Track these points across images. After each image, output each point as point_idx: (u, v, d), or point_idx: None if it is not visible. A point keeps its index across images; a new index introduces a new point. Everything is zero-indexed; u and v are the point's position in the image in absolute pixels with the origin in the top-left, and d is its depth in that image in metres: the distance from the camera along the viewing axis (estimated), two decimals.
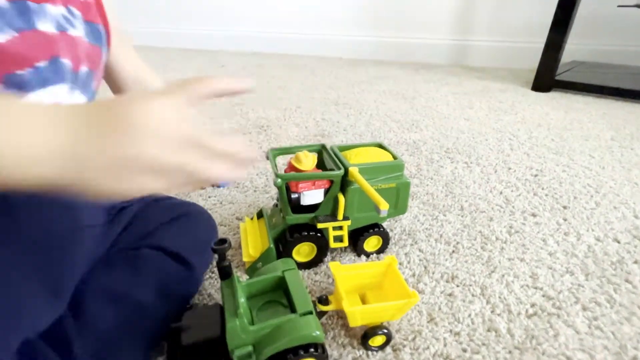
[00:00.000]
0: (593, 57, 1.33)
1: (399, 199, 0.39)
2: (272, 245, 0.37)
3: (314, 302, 0.29)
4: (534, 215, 0.49)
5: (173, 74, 1.41)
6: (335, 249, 0.42)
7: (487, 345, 0.31)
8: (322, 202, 0.37)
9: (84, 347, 0.24)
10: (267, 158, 0.40)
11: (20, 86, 0.23)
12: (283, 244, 0.38)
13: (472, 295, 0.36)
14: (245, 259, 0.38)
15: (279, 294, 0.30)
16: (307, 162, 0.36)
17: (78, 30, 0.28)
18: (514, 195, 0.54)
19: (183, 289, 0.33)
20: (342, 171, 0.36)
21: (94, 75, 0.30)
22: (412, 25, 1.62)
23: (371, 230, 0.40)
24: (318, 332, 0.26)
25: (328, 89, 1.15)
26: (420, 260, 0.41)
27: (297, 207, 0.38)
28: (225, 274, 0.27)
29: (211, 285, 0.37)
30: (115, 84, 0.37)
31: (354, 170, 0.35)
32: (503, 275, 0.38)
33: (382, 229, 0.40)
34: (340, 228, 0.38)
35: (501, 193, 0.54)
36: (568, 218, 0.48)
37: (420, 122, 0.84)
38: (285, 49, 1.88)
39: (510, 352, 0.30)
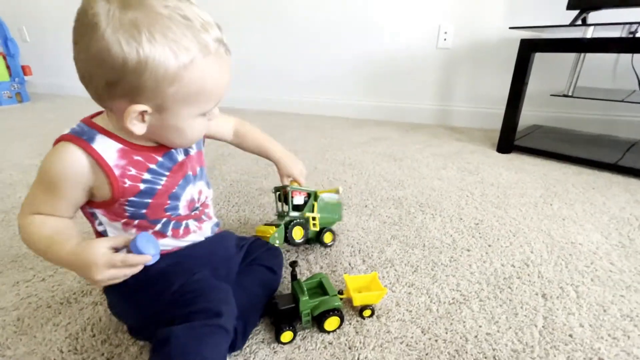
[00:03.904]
0: (550, 122, 1.68)
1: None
2: None
3: (338, 291, 0.59)
4: (468, 250, 0.79)
5: None
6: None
7: (425, 316, 0.60)
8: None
9: (238, 310, 0.54)
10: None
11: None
12: None
13: (421, 293, 0.65)
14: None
15: (319, 286, 0.60)
16: None
17: (193, 149, 0.53)
18: (459, 238, 0.84)
19: (273, 284, 0.63)
20: None
21: (204, 167, 0.58)
22: (405, 93, 2.00)
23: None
24: (339, 304, 0.56)
25: (337, 151, 1.49)
26: (394, 275, 0.71)
27: None
28: (295, 277, 0.58)
29: (282, 285, 0.67)
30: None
31: None
32: (441, 284, 0.68)
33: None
34: None
35: (451, 236, 0.85)
36: (489, 252, 0.78)
37: (404, 182, 1.16)
38: (302, 110, 2.27)
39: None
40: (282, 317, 0.55)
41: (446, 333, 0.57)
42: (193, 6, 0.40)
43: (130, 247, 0.41)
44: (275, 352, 0.54)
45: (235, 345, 0.53)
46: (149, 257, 0.41)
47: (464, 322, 0.59)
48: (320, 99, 2.21)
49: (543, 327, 0.58)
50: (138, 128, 0.42)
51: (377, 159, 1.39)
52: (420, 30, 1.83)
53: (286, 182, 0.75)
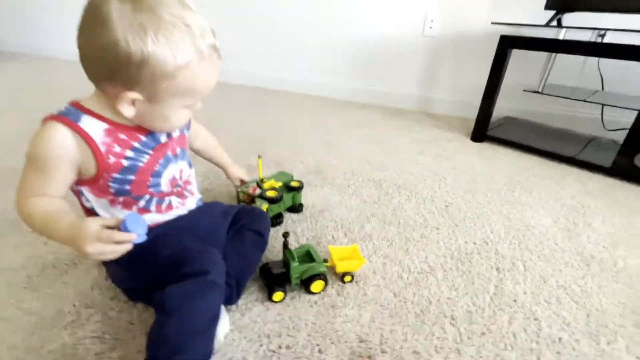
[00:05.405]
0: (522, 115, 1.80)
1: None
2: None
3: (323, 260, 0.68)
4: (437, 228, 0.89)
5: None
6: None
7: (397, 283, 0.70)
8: None
9: (231, 270, 0.61)
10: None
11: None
12: None
13: (394, 264, 0.75)
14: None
15: (307, 254, 0.68)
16: None
17: (176, 132, 0.59)
18: (430, 217, 0.94)
19: (262, 246, 0.70)
20: None
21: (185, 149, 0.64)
22: (390, 78, 2.05)
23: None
24: (324, 270, 0.64)
25: (324, 132, 1.55)
26: (372, 247, 0.80)
27: None
28: (286, 246, 0.66)
29: (269, 251, 0.75)
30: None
31: None
32: (412, 257, 0.78)
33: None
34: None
35: (423, 216, 0.95)
36: (455, 231, 0.89)
37: (385, 165, 1.25)
38: (289, 88, 2.29)
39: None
40: (275, 279, 0.63)
41: (414, 297, 0.67)
42: (195, 14, 0.46)
43: (120, 226, 0.45)
44: (268, 309, 0.62)
45: (231, 299, 0.61)
46: (134, 235, 0.45)
47: (429, 288, 0.69)
48: (307, 78, 2.24)
49: (494, 293, 0.69)
50: (128, 111, 0.48)
51: (360, 142, 1.46)
52: (408, 17, 1.87)
53: (237, 183, 0.90)
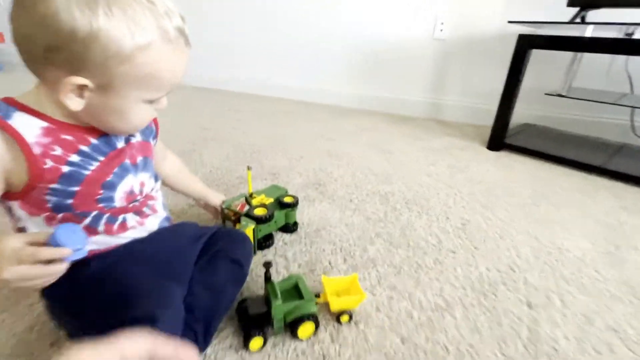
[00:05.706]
0: (540, 120, 1.66)
1: None
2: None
3: (315, 294, 0.55)
4: (453, 252, 0.76)
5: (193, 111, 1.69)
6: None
7: (405, 323, 0.57)
8: None
9: (198, 309, 0.49)
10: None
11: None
12: None
13: (402, 297, 0.62)
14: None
15: (294, 288, 0.55)
16: None
17: (136, 137, 0.49)
18: (445, 238, 0.81)
19: (240, 279, 0.57)
20: None
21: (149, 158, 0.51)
22: (397, 83, 1.94)
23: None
24: (315, 310, 0.52)
25: (324, 140, 1.43)
26: (375, 276, 0.67)
27: None
28: (269, 279, 0.53)
29: (252, 281, 0.63)
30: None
31: None
32: (424, 288, 0.65)
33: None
34: None
35: (437, 236, 0.82)
36: (475, 255, 0.75)
37: (392, 176, 1.12)
38: (290, 95, 2.19)
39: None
40: (253, 322, 0.51)
41: (427, 343, 0.54)
42: None
43: (49, 241, 0.35)
44: None
45: (197, 346, 0.48)
46: (67, 250, 0.35)
47: (446, 331, 0.56)
48: (309, 84, 2.14)
49: (527, 338, 0.55)
50: (74, 103, 0.38)
51: (365, 151, 1.34)
52: (416, 19, 1.77)
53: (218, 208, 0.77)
